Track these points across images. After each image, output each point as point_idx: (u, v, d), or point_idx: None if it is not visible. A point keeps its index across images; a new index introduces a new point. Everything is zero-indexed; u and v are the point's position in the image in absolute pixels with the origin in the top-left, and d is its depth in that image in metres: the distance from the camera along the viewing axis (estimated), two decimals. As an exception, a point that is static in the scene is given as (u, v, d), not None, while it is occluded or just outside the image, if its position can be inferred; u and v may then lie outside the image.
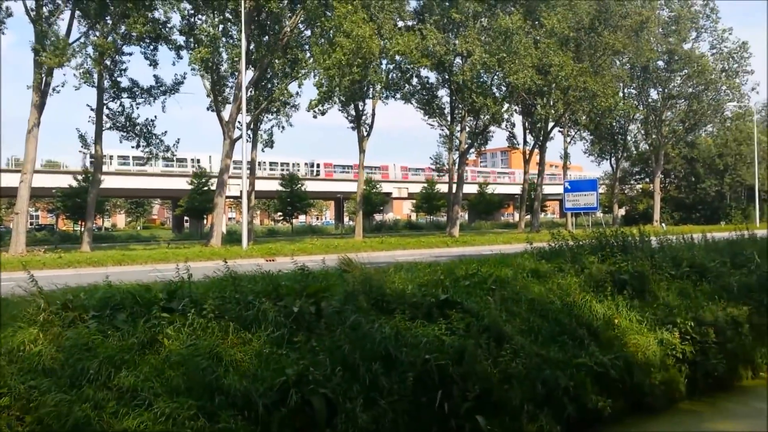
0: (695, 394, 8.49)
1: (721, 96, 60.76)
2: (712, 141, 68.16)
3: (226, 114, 34.01)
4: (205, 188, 57.42)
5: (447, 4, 40.63)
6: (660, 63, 59.08)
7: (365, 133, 40.52)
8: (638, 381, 7.67)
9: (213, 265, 8.27)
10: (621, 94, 57.12)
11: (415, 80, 43.81)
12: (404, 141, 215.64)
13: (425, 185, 75.93)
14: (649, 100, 61.75)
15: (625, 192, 74.01)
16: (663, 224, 50.85)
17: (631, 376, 7.61)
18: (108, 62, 31.05)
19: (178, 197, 65.71)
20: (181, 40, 33.41)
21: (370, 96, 39.91)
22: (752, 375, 9.31)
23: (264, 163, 71.88)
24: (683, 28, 57.39)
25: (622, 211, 71.83)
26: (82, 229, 40.42)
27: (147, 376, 5.45)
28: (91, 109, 31.58)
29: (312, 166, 79.52)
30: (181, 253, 24.95)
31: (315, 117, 36.25)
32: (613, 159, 64.76)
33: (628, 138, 64.48)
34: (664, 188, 68.42)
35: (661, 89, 60.88)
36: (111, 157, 59.94)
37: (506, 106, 45.65)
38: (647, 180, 70.96)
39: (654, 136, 63.06)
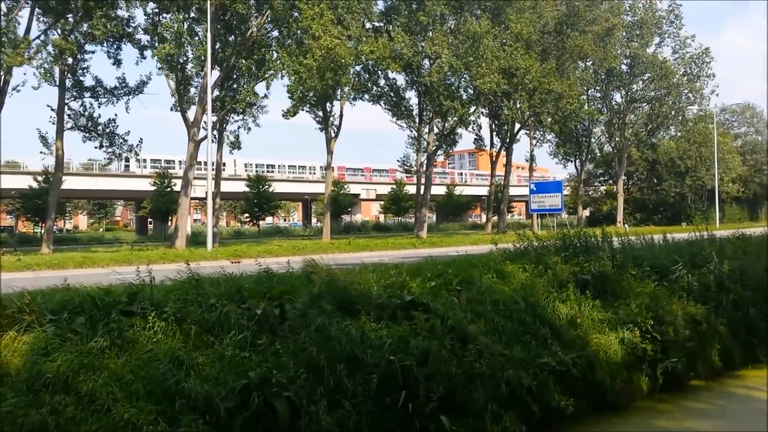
0: (655, 392, 8.63)
1: (683, 100, 62.23)
2: (674, 144, 69.69)
3: (191, 114, 33.62)
4: (168, 189, 56.66)
5: (414, 6, 40.80)
6: (624, 67, 60.25)
7: (333, 135, 40.45)
8: (600, 379, 7.77)
9: (176, 267, 8.14)
10: (585, 97, 58.15)
11: (382, 82, 43.89)
12: (373, 142, 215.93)
13: (393, 187, 76.11)
14: (613, 103, 62.95)
15: (590, 193, 75.31)
16: (626, 225, 51.82)
17: (593, 375, 7.71)
18: (70, 61, 30.42)
19: (142, 198, 64.74)
20: (145, 39, 32.93)
21: (338, 97, 39.92)
22: (710, 373, 9.51)
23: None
24: (647, 33, 58.66)
25: (586, 213, 73.03)
26: (43, 231, 39.51)
27: (106, 381, 5.34)
28: (52, 110, 30.93)
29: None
30: (145, 255, 24.59)
31: (287, 119, 36.19)
32: (577, 161, 65.83)
33: (593, 140, 65.67)
34: (627, 190, 69.77)
35: (624, 92, 62.12)
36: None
37: (473, 108, 46.04)
38: (611, 182, 72.29)
39: (617, 139, 64.29)
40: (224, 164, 62.66)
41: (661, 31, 60.24)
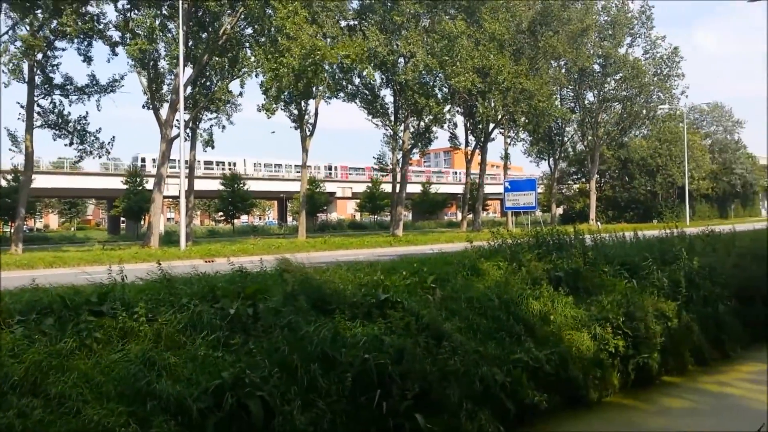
0: (627, 387, 8.75)
1: (653, 99, 63.17)
2: (645, 142, 70.72)
3: (163, 112, 33.20)
4: (141, 187, 55.96)
5: (389, 5, 40.82)
6: (596, 66, 60.96)
7: (308, 133, 40.28)
8: (573, 375, 7.85)
9: (149, 267, 8.05)
10: (557, 96, 58.70)
11: (357, 80, 43.85)
12: (349, 140, 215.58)
13: (369, 185, 76.07)
14: (586, 102, 63.63)
15: (563, 192, 76.12)
16: (598, 223, 52.40)
17: (566, 371, 7.78)
18: (39, 57, 29.86)
19: (114, 197, 63.81)
20: (116, 35, 32.43)
21: (314, 96, 39.79)
22: (681, 369, 9.65)
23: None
24: (619, 33, 59.38)
25: (559, 210, 73.81)
26: (12, 230, 38.75)
27: (75, 382, 5.24)
28: (21, 107, 30.33)
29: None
30: (116, 254, 24.25)
31: (269, 117, 35.92)
32: (551, 160, 66.47)
33: (566, 139, 66.35)
34: (599, 188, 70.66)
35: (596, 92, 62.82)
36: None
37: (448, 107, 46.23)
38: (584, 180, 73.18)
39: (590, 138, 65.04)
40: (232, 165, 61.91)
41: (633, 31, 61.07)
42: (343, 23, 40.78)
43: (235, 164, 74.79)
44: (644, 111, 64.77)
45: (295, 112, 39.82)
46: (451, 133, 53.30)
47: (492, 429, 6.66)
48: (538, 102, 45.08)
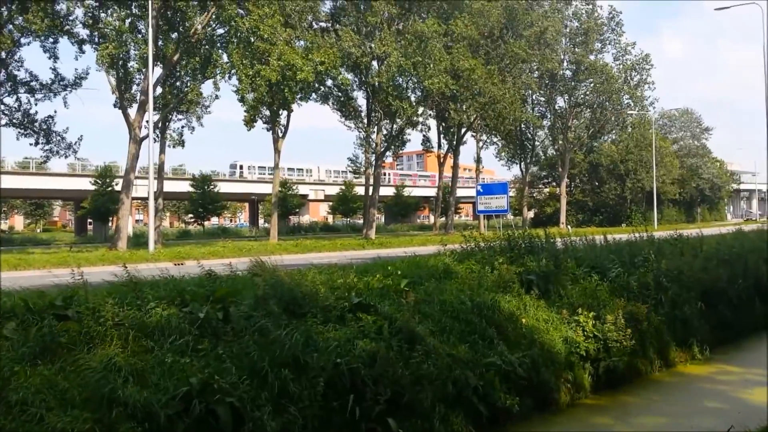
0: (599, 389, 8.81)
1: (623, 105, 64.16)
2: (615, 147, 71.73)
3: (132, 112, 32.67)
4: (109, 189, 55.00)
5: (362, 7, 40.79)
6: (567, 72, 61.71)
7: (280, 134, 39.98)
8: (544, 378, 7.89)
9: (116, 269, 7.86)
10: (528, 101, 59.30)
11: (330, 82, 43.70)
12: (322, 141, 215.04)
13: (342, 187, 75.88)
14: (557, 107, 64.34)
15: (534, 195, 76.78)
16: (568, 226, 53.00)
17: (538, 374, 7.82)
18: (3, 55, 29.17)
19: (82, 198, 62.59)
20: (84, 33, 31.82)
21: (290, 109, 39.48)
22: (650, 370, 9.77)
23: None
24: (590, 39, 60.12)
25: (531, 214, 74.40)
26: (-26, 232, 37.79)
27: (39, 389, 5.09)
28: (-15, 105, 29.59)
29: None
30: (83, 257, 23.77)
31: (249, 129, 35.63)
32: (522, 164, 67.02)
33: (537, 144, 67.01)
34: (569, 192, 71.43)
35: (567, 97, 63.55)
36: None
37: (421, 109, 46.34)
38: (554, 184, 73.92)
39: (560, 143, 65.78)
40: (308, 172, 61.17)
41: (603, 37, 61.92)
42: (316, 25, 40.65)
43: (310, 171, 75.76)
44: (614, 117, 65.74)
45: (267, 113, 39.46)
46: (424, 136, 53.48)
47: (464, 432, 6.66)
48: (503, 108, 45.48)
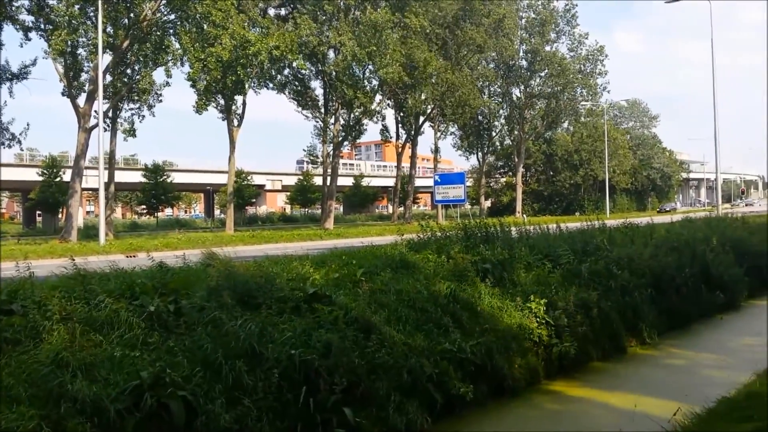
0: (551, 375, 8.97)
1: (577, 96, 65.34)
2: (569, 137, 73.02)
3: (81, 101, 31.75)
4: (58, 179, 53.43)
5: (319, -5, 40.47)
6: (523, 63, 62.47)
7: (236, 124, 39.40)
8: (498, 365, 7.99)
9: (65, 262, 7.64)
10: (485, 91, 59.85)
11: (287, 71, 43.27)
12: (279, 132, 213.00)
13: (300, 177, 75.35)
14: (513, 98, 65.11)
15: (491, 185, 77.69)
16: (524, 215, 53.79)
17: (492, 361, 7.91)
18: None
19: (29, 189, 60.65)
20: (29, 20, 30.73)
21: (245, 92, 38.91)
22: (602, 355, 9.98)
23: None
24: (546, 30, 60.97)
25: (488, 203, 75.30)
26: None
27: (-19, 385, 4.92)
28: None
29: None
30: (31, 249, 23.05)
31: (200, 114, 34.90)
32: (479, 154, 67.68)
33: (494, 134, 67.71)
34: (525, 182, 72.52)
35: (523, 88, 64.37)
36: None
37: (378, 99, 46.31)
38: (510, 174, 74.90)
39: (516, 133, 66.65)
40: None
41: (558, 28, 62.87)
42: (271, 12, 40.14)
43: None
44: (568, 107, 66.91)
45: (222, 102, 38.83)
46: (382, 125, 53.48)
47: (420, 420, 6.70)
48: (462, 95, 45.81)
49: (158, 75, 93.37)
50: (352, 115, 46.05)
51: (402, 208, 57.29)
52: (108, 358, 5.62)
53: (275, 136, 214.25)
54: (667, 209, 72.41)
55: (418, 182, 68.86)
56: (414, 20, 41.22)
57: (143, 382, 5.22)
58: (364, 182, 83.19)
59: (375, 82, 44.97)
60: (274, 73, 41.94)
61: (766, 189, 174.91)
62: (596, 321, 9.90)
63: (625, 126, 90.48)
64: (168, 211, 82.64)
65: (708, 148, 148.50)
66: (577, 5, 62.47)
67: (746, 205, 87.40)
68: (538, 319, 8.96)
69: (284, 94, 44.64)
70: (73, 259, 7.19)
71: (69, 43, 30.63)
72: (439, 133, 57.89)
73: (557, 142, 72.83)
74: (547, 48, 61.65)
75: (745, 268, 14.96)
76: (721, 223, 20.33)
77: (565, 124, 73.98)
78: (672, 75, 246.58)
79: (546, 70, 61.94)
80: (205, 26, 31.50)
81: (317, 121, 46.57)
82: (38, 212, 69.45)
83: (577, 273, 10.70)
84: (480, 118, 62.78)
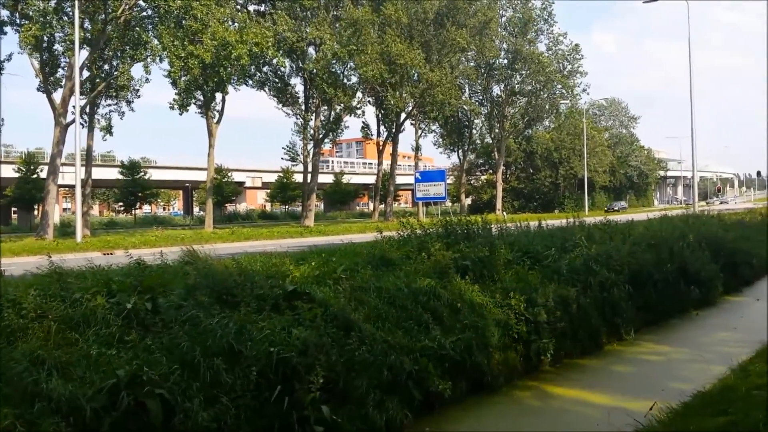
0: (530, 371, 9.03)
1: (557, 94, 65.81)
2: (549, 135, 73.56)
3: (58, 96, 31.32)
4: (34, 176, 52.69)
5: (299, -9, 40.32)
6: (504, 61, 62.75)
7: (215, 120, 39.11)
8: (478, 361, 8.02)
9: (41, 260, 7.54)
10: (466, 89, 60.04)
11: (267, 68, 43.08)
12: (259, 129, 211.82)
13: (280, 174, 75.02)
14: (494, 95, 65.41)
15: (472, 182, 78.03)
16: (504, 213, 54.11)
17: (472, 357, 7.94)
18: None
19: (5, 186, 59.70)
20: (5, 14, 30.25)
21: (225, 91, 38.66)
22: (580, 351, 10.07)
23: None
24: (528, 29, 61.32)
25: (468, 201, 75.64)
26: None
27: (-47, 385, 4.83)
28: None
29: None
30: (6, 247, 22.75)
31: (180, 113, 34.59)
32: (460, 151, 67.89)
33: (474, 132, 67.99)
34: (505, 179, 72.95)
35: (503, 86, 64.66)
36: None
37: (359, 96, 46.29)
38: (491, 171, 75.25)
39: (497, 131, 66.93)
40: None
41: (536, 27, 63.23)
42: (251, 8, 39.91)
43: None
44: (548, 105, 67.34)
45: (201, 98, 38.50)
46: (363, 123, 53.45)
47: (400, 417, 6.70)
48: (440, 93, 45.92)
49: (136, 70, 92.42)
50: (332, 112, 45.96)
51: (383, 206, 57.31)
52: (84, 356, 5.54)
53: (255, 133, 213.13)
54: (616, 208, 68.63)
55: (399, 179, 68.89)
56: (391, 9, 41.21)
57: (120, 381, 5.16)
58: (345, 179, 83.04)
59: (355, 80, 44.94)
60: (253, 71, 41.73)
61: (741, 187, 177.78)
62: (575, 317, 9.98)
63: (604, 124, 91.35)
64: (146, 208, 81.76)
65: (685, 147, 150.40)
66: (553, 3, 62.79)
67: (721, 203, 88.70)
68: (517, 316, 9.01)
69: (264, 90, 44.44)
70: (50, 257, 7.08)
71: (45, 38, 30.18)
72: (420, 131, 58.00)
73: (537, 140, 73.32)
74: (527, 47, 62.00)
75: (721, 265, 15.19)
76: (697, 221, 20.62)
77: (546, 123, 74.49)
78: (649, 74, 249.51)
79: (526, 68, 62.29)
80: (185, 21, 31.18)
81: (298, 118, 46.42)
82: (14, 209, 68.43)
83: (557, 270, 10.77)
84: (460, 115, 62.99)
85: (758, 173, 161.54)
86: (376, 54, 39.79)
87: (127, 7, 32.00)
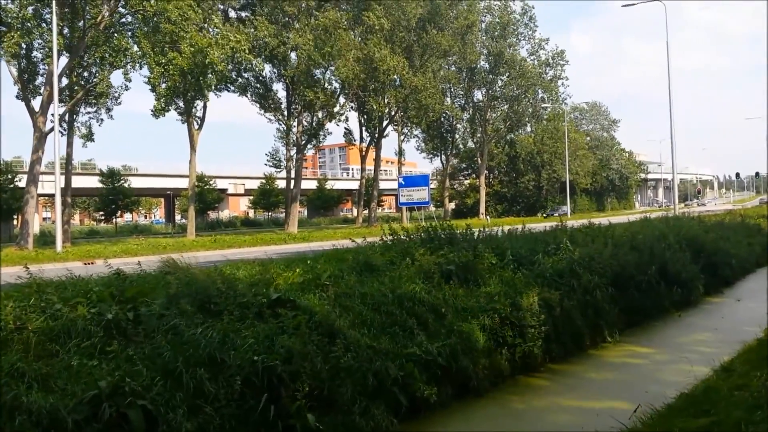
0: (516, 374, 9.05)
1: (538, 98, 66.18)
2: (531, 139, 74.00)
3: (36, 104, 30.98)
4: (12, 185, 51.98)
5: (279, -2, 40.34)
6: (485, 66, 63.00)
7: (197, 126, 38.87)
8: (463, 366, 8.01)
9: (19, 270, 7.42)
10: (449, 93, 60.24)
11: (248, 74, 42.96)
12: (241, 135, 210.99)
13: (263, 181, 74.70)
14: (476, 100, 65.64)
15: (455, 187, 78.21)
16: (487, 217, 54.30)
17: (457, 362, 7.94)
18: None
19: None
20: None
21: (206, 98, 38.47)
22: (564, 354, 10.10)
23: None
24: (509, 33, 61.55)
25: (452, 205, 75.78)
26: None
27: (-70, 399, 4.73)
28: None
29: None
30: (-15, 257, 22.31)
31: (157, 118, 34.33)
32: (443, 156, 68.06)
33: (457, 136, 68.20)
34: (488, 183, 73.22)
35: (485, 91, 64.92)
36: None
37: (341, 101, 46.30)
38: (474, 176, 75.52)
39: (479, 135, 67.18)
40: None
41: (517, 32, 63.54)
42: (232, 14, 39.85)
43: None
44: (530, 110, 67.70)
45: (182, 105, 38.26)
46: (346, 128, 53.43)
47: (386, 423, 6.68)
48: (423, 97, 46.07)
49: (116, 78, 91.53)
50: (314, 118, 45.91)
51: (367, 211, 57.26)
52: (65, 368, 5.48)
53: (238, 139, 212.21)
54: (556, 214, 65.54)
55: (383, 185, 68.94)
56: (373, 17, 41.31)
57: (101, 392, 5.09)
58: (329, 185, 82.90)
59: (336, 84, 44.95)
60: (234, 76, 41.59)
61: (721, 188, 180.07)
62: (559, 320, 10.01)
63: (585, 128, 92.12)
64: (127, 216, 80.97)
65: (665, 148, 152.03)
66: (533, 7, 63.15)
67: (699, 205, 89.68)
68: (502, 319, 9.02)
69: (246, 96, 44.29)
70: (27, 267, 6.98)
71: (23, 45, 29.86)
72: (403, 136, 58.06)
73: (520, 144, 73.72)
74: (509, 50, 62.29)
75: (701, 266, 15.35)
76: (677, 222, 20.85)
77: (528, 128, 74.93)
78: (627, 74, 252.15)
79: (508, 73, 62.56)
80: (162, 25, 30.98)
81: (280, 124, 46.31)
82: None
83: (540, 273, 10.82)
84: (443, 120, 63.17)
85: (737, 175, 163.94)
86: (353, 58, 39.89)
87: (107, 14, 31.77)
